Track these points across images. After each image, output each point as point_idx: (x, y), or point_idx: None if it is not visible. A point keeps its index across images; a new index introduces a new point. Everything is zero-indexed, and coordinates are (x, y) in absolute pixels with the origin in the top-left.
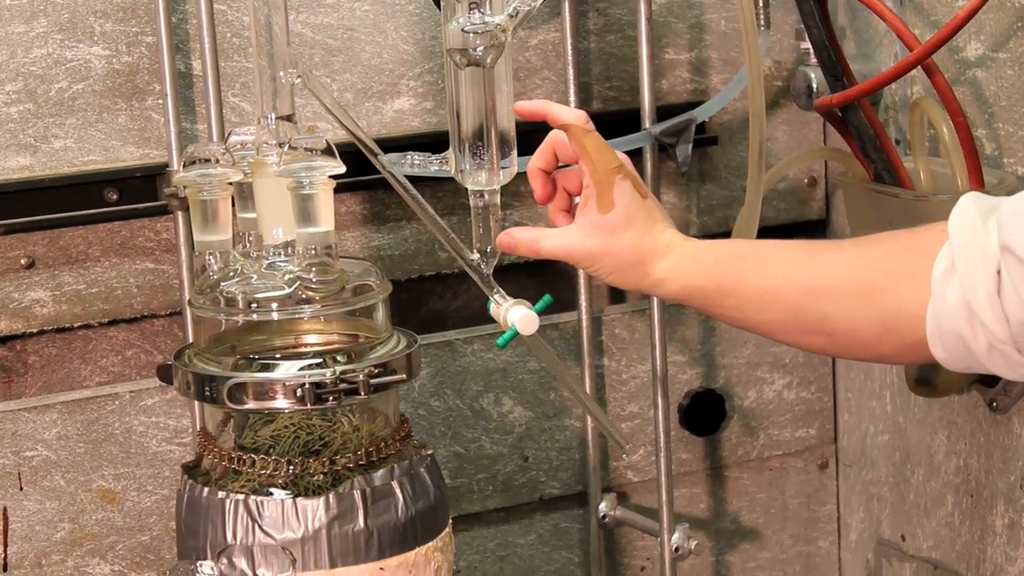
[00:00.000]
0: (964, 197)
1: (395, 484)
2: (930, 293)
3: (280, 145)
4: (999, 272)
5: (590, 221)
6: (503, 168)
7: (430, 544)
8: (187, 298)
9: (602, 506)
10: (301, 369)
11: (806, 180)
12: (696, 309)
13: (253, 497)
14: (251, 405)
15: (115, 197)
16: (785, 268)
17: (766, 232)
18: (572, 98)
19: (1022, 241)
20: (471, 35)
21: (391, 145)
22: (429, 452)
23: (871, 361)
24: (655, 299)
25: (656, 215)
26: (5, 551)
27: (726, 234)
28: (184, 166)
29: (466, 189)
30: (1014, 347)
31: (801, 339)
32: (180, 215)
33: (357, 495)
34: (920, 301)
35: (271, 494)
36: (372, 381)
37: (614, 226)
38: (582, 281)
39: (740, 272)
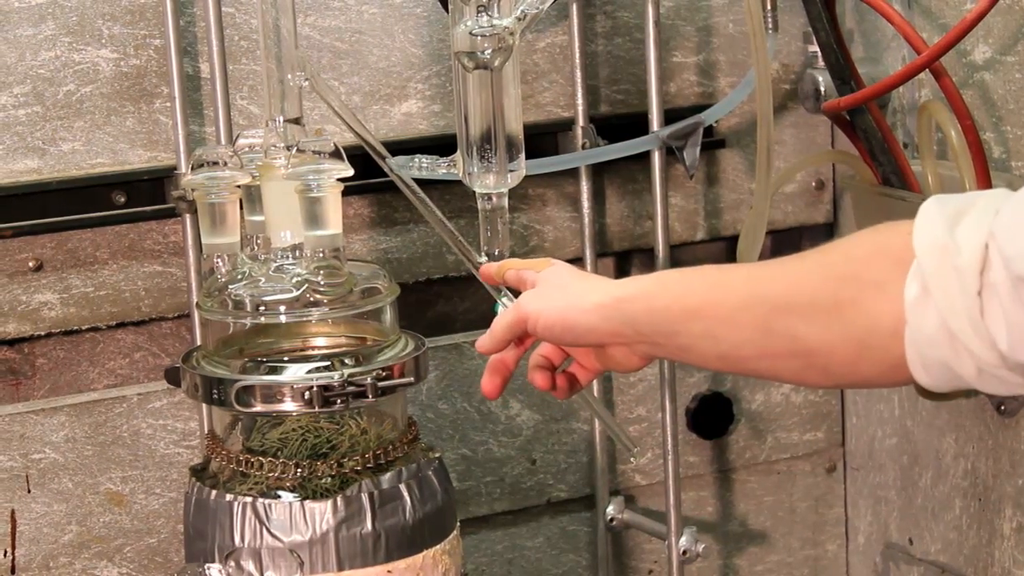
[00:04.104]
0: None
1: (403, 487)
2: (903, 309)
3: (288, 148)
4: (980, 293)
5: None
6: (511, 171)
7: (438, 547)
8: (195, 301)
9: (610, 509)
10: (309, 372)
11: (814, 183)
12: (658, 354)
13: (261, 500)
14: (259, 408)
15: (123, 200)
16: (748, 285)
17: (774, 235)
18: (580, 101)
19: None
20: (479, 38)
21: (399, 148)
22: (437, 455)
23: (857, 387)
24: None
25: None
26: (13, 553)
27: (734, 237)
28: (192, 169)
29: (474, 192)
30: (1006, 368)
31: (777, 365)
32: (188, 218)
33: (365, 498)
34: (894, 317)
35: (279, 497)
36: (380, 384)
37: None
38: None
39: (704, 291)
